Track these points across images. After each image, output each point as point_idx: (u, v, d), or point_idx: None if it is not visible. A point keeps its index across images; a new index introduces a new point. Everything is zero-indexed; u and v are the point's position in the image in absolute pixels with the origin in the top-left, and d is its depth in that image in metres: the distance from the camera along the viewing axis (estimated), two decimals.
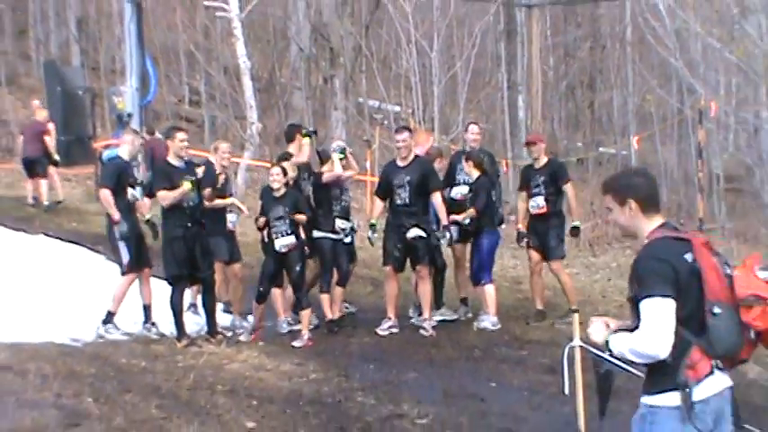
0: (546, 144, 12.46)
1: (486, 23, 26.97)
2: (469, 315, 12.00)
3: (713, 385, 4.32)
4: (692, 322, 4.24)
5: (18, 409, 7.47)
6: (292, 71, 30.63)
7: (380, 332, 11.14)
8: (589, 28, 30.44)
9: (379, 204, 11.82)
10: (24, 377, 8.37)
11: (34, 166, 19.75)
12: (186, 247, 10.48)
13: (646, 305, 4.23)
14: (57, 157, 20.03)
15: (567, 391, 7.27)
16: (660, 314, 4.20)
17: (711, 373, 4.31)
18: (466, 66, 25.44)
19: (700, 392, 4.27)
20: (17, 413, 7.34)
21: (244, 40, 21.39)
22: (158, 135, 19.48)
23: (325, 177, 11.65)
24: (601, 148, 26.75)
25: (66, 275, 12.63)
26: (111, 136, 21.82)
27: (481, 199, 11.60)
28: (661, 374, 4.32)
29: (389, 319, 11.28)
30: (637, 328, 4.31)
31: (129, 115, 19.75)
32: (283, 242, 10.66)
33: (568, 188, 11.93)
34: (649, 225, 4.52)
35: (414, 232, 11.17)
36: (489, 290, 11.49)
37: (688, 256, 4.33)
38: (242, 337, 10.76)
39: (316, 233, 11.51)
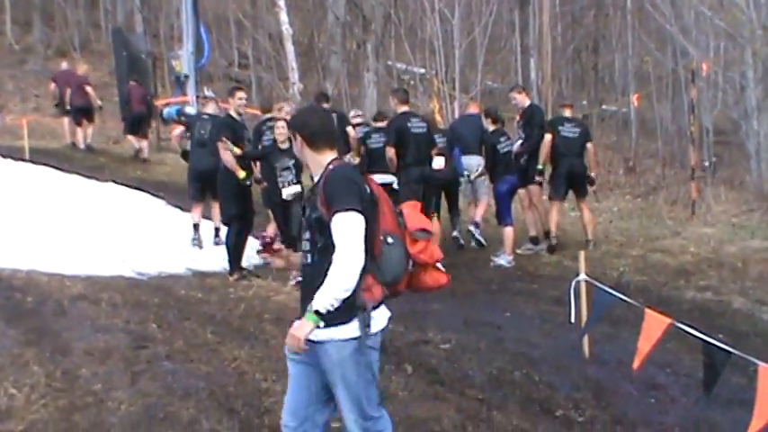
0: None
1: None
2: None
3: (383, 318, 4.25)
4: (367, 249, 4.00)
5: (92, 333, 7.52)
6: (329, 37, 30.41)
7: None
8: None
9: None
10: (98, 305, 8.42)
11: (82, 114, 20.09)
12: (241, 194, 10.46)
13: (341, 218, 3.97)
14: (100, 103, 20.65)
15: (573, 320, 7.28)
16: (356, 226, 3.96)
17: (382, 303, 4.20)
18: (484, 32, 25.21)
19: (375, 322, 4.13)
20: (92, 336, 7.40)
21: (286, 9, 21.29)
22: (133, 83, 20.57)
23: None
24: (604, 106, 26.49)
25: (133, 218, 12.70)
26: (172, 95, 21.85)
27: (488, 151, 11.68)
28: (345, 304, 3.99)
29: None
30: (320, 247, 4.11)
31: (186, 76, 19.79)
32: (290, 191, 10.37)
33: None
34: (322, 158, 4.26)
35: None
36: (509, 231, 11.44)
37: (367, 188, 4.15)
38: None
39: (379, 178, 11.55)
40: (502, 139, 11.61)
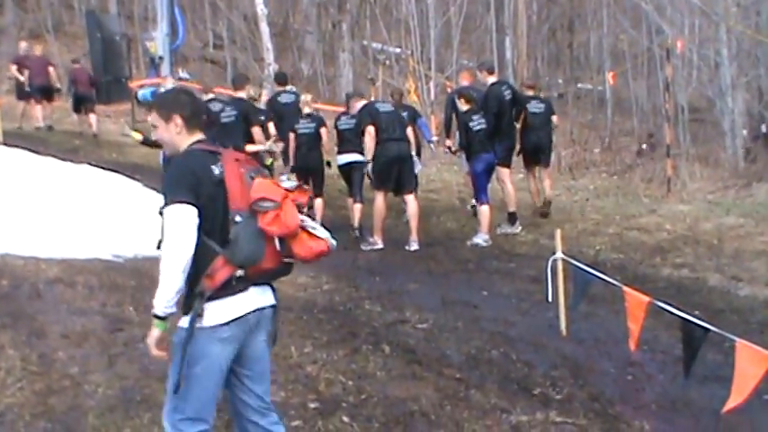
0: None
1: None
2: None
3: (238, 307, 3.95)
4: (218, 233, 3.86)
5: (69, 316, 7.48)
6: (304, 17, 30.37)
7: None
8: None
9: None
10: (74, 288, 8.36)
11: (43, 94, 20.05)
12: None
13: (167, 212, 3.84)
14: (59, 86, 20.57)
15: (550, 299, 7.30)
16: (178, 219, 3.80)
17: (244, 289, 3.92)
18: (459, 11, 25.20)
19: (233, 311, 3.91)
20: (68, 320, 7.36)
21: None
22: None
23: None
24: (579, 84, 26.54)
25: (108, 200, 12.60)
26: (147, 76, 21.73)
27: (461, 130, 11.86)
28: (190, 292, 3.90)
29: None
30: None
31: (161, 58, 19.70)
32: None
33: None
34: (189, 141, 4.08)
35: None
36: (484, 210, 11.43)
37: (216, 168, 3.94)
38: None
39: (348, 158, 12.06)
40: (474, 117, 11.60)
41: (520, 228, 11.98)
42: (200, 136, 4.11)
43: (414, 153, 11.69)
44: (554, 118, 13.24)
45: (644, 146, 18.80)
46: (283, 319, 7.68)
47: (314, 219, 4.12)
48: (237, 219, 3.87)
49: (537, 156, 12.94)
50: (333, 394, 5.97)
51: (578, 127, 21.18)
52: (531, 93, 13.39)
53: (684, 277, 9.52)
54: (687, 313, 5.52)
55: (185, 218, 3.82)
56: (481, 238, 11.37)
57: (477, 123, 11.55)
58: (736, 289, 8.97)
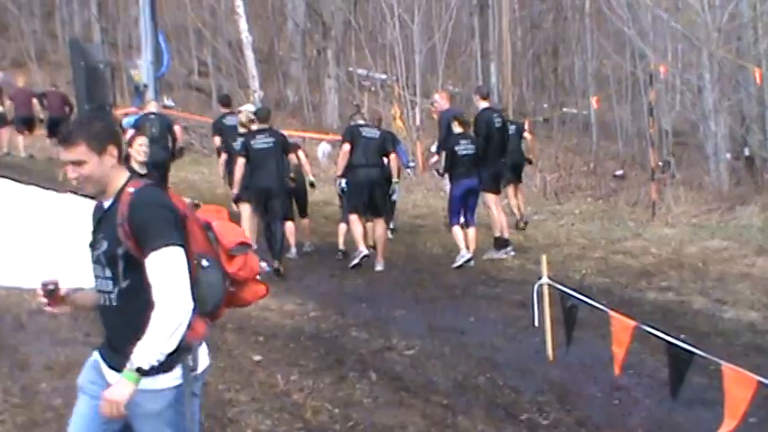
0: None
1: None
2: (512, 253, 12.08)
3: (205, 356, 3.62)
4: None
5: (52, 346, 7.44)
6: (289, 44, 30.44)
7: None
8: (552, 1, 30.21)
9: None
10: (57, 319, 8.27)
11: (26, 124, 20.94)
12: None
13: (162, 257, 3.28)
14: (41, 117, 21.16)
15: (536, 324, 7.31)
16: (179, 263, 3.30)
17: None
18: (444, 37, 25.35)
19: (204, 359, 3.58)
20: (52, 350, 7.31)
21: (245, 17, 21.29)
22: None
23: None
24: (564, 109, 26.72)
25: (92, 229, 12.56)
26: (133, 105, 21.75)
27: (442, 153, 12.06)
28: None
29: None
30: (126, 288, 3.45)
31: (145, 86, 19.70)
32: None
33: None
34: (123, 175, 3.52)
35: None
36: (454, 231, 11.56)
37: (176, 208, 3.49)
38: None
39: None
40: (462, 141, 11.64)
41: (513, 253, 11.95)
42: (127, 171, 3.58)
43: (394, 180, 11.73)
44: (526, 134, 14.63)
45: (660, 163, 18.83)
46: (270, 346, 7.71)
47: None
48: (205, 263, 3.51)
49: (515, 173, 13.78)
50: (320, 422, 5.95)
51: (563, 151, 21.27)
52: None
53: (670, 301, 9.55)
54: (673, 337, 5.54)
55: (182, 262, 3.34)
56: (461, 255, 11.38)
57: (464, 148, 11.59)
58: (720, 312, 9.00)
